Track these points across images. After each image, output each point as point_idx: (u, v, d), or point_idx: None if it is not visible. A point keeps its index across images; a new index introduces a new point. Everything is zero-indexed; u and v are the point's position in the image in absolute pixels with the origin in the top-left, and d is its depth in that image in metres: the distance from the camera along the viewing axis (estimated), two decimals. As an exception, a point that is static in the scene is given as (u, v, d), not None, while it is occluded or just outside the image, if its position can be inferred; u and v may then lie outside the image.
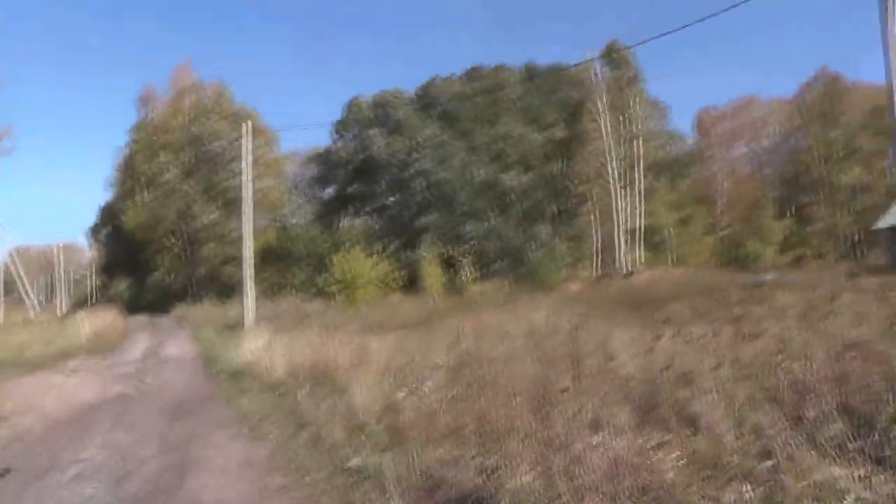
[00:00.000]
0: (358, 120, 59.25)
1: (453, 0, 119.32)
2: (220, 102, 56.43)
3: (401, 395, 10.13)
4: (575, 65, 52.77)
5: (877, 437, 5.05)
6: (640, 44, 45.32)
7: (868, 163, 59.36)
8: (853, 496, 4.50)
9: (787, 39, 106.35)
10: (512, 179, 55.38)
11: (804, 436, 5.27)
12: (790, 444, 5.14)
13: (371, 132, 57.65)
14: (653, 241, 58.96)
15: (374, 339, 17.16)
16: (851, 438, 5.11)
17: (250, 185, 28.56)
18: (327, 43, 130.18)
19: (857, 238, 58.68)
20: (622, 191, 55.02)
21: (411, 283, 47.94)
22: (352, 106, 60.67)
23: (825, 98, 63.76)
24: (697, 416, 6.56)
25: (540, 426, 6.24)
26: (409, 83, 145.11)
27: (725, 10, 15.17)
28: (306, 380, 13.20)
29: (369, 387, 10.39)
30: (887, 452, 4.90)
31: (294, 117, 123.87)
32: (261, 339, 18.31)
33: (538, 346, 11.40)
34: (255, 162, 44.37)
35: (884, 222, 35.22)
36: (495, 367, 9.71)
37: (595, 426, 6.05)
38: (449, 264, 50.52)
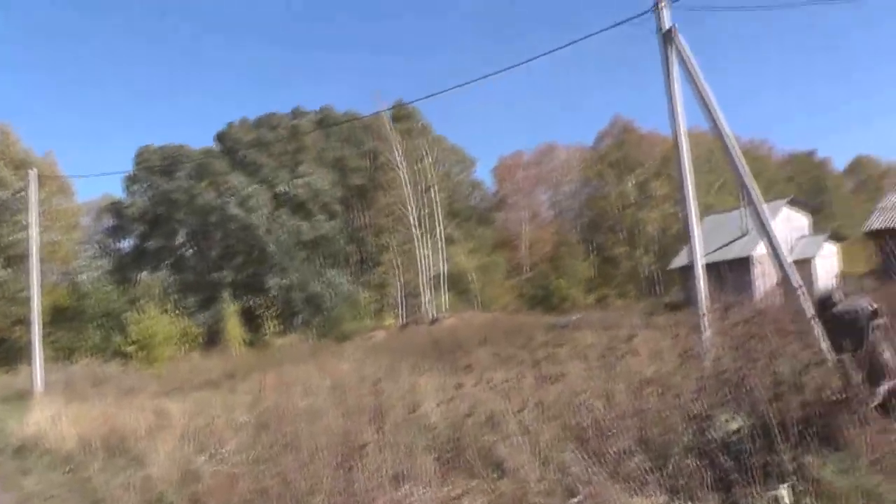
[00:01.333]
0: (149, 170, 56.68)
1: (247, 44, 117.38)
2: (5, 146, 51.44)
3: (201, 460, 9.72)
4: (367, 116, 53.73)
5: (671, 468, 5.18)
6: (426, 98, 47.48)
7: (663, 206, 63.65)
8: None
9: (588, 88, 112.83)
10: (313, 227, 55.03)
11: (607, 471, 5.31)
12: (594, 480, 5.15)
13: (166, 184, 55.45)
14: (458, 287, 60.23)
15: (173, 401, 16.41)
16: (650, 471, 5.20)
17: (37, 239, 26.24)
18: (125, 85, 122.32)
19: (657, 277, 62.72)
20: (423, 238, 55.91)
21: (212, 340, 46.23)
22: (141, 155, 58.06)
23: (619, 146, 68.29)
24: (503, 460, 6.51)
25: (342, 484, 5.93)
26: (201, 131, 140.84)
27: (529, 60, 15.76)
28: (100, 451, 12.27)
29: (167, 454, 9.87)
30: (681, 481, 5.02)
31: (94, 163, 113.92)
32: (50, 407, 16.73)
33: (342, 399, 11.15)
34: (45, 213, 41.04)
35: (677, 262, 37.80)
36: (298, 424, 9.35)
37: (399, 479, 5.82)
38: (252, 317, 49.22)
